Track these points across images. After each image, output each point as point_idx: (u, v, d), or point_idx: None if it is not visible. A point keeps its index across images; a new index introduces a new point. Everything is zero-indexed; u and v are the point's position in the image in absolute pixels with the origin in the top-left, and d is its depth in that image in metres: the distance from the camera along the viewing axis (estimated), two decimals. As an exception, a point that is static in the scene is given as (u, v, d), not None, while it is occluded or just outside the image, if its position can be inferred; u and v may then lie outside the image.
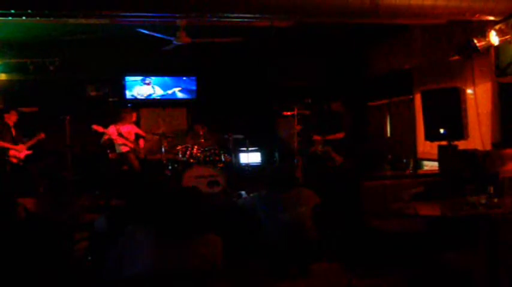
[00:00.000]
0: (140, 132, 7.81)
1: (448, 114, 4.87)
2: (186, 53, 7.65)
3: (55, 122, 7.04)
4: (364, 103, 8.80)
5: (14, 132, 6.94)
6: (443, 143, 4.99)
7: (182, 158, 7.46)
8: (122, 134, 7.39)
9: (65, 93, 8.24)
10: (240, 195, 6.57)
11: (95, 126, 7.17)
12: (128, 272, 2.31)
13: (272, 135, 8.85)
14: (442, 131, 4.92)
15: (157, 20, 5.17)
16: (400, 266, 3.79)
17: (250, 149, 8.48)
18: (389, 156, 6.71)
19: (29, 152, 6.99)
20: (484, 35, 4.81)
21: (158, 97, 8.96)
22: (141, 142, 7.74)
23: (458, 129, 4.80)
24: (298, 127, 7.07)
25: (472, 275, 3.31)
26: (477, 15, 4.68)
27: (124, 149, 7.40)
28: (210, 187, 6.89)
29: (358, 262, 4.03)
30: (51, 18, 4.41)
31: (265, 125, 8.91)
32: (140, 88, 8.86)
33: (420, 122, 5.78)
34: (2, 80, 8.18)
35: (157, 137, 7.73)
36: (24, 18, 4.21)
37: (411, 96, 7.35)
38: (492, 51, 5.28)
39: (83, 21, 4.81)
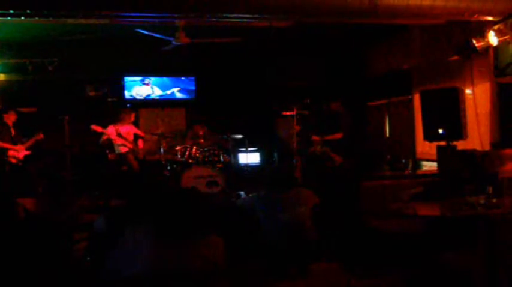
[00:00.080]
0: (139, 132, 7.80)
1: (447, 115, 4.88)
2: (185, 54, 7.65)
3: (54, 122, 7.04)
4: (363, 103, 8.80)
5: (13, 133, 6.94)
6: (442, 143, 5.00)
7: (181, 159, 7.45)
8: (121, 135, 7.38)
9: (63, 94, 8.24)
10: (239, 195, 6.57)
11: (93, 127, 7.16)
12: (128, 272, 2.31)
13: (271, 136, 8.85)
14: (441, 131, 4.93)
15: (157, 20, 5.16)
16: (399, 266, 3.80)
17: (249, 149, 8.48)
18: (389, 156, 6.71)
19: (28, 152, 6.98)
20: (482, 35, 4.82)
21: (157, 97, 8.96)
22: (140, 142, 7.73)
23: (457, 129, 4.81)
24: (297, 127, 7.07)
25: (471, 275, 3.31)
26: (476, 16, 4.69)
27: (123, 149, 7.40)
28: (209, 187, 6.89)
29: (357, 262, 4.03)
30: (50, 19, 4.41)
31: (264, 126, 8.91)
32: (139, 88, 8.86)
33: (419, 122, 5.78)
34: (1, 81, 8.18)
35: (156, 137, 7.73)
36: (23, 18, 4.21)
37: (410, 97, 7.35)
38: (491, 52, 5.29)
39: (82, 21, 4.80)
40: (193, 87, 9.04)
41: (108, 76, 8.62)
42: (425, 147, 6.56)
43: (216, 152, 7.63)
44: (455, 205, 3.48)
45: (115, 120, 7.49)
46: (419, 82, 7.10)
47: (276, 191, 3.81)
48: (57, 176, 7.14)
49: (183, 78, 9.05)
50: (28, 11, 4.07)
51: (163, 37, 6.57)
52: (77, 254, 3.45)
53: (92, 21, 4.97)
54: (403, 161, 6.17)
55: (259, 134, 8.70)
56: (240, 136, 8.08)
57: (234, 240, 2.75)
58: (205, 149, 7.59)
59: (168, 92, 9.01)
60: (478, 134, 5.18)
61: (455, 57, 5.51)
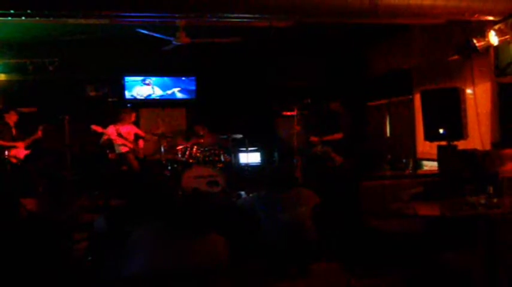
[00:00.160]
0: (139, 132, 7.81)
1: (448, 114, 4.88)
2: (186, 53, 7.65)
3: (54, 122, 7.04)
4: (364, 103, 8.79)
5: (14, 132, 6.95)
6: (443, 143, 4.99)
7: (181, 158, 7.45)
8: (121, 135, 7.39)
9: (64, 94, 8.23)
10: (240, 195, 6.57)
11: (93, 127, 7.17)
12: (128, 272, 2.31)
13: (272, 136, 8.85)
14: (441, 131, 4.93)
15: (157, 20, 5.17)
16: (399, 266, 3.79)
17: (249, 149, 8.48)
18: (389, 156, 6.70)
19: (28, 151, 6.99)
20: (483, 35, 4.81)
21: (157, 97, 8.96)
22: (141, 142, 7.74)
23: (458, 129, 4.80)
24: (297, 127, 7.07)
25: (471, 275, 3.31)
26: (476, 15, 4.68)
27: (123, 149, 7.40)
28: (209, 187, 6.89)
29: (357, 262, 4.03)
30: (51, 19, 4.41)
31: (265, 125, 8.91)
32: (140, 88, 8.86)
33: (419, 122, 5.78)
34: (2, 81, 8.18)
35: (156, 137, 7.73)
36: (23, 18, 4.21)
37: (410, 96, 7.35)
38: (491, 51, 5.28)
39: (83, 21, 4.81)
40: (193, 87, 9.05)
41: (109, 76, 8.62)
42: (425, 147, 6.55)
43: (216, 152, 7.63)
44: (456, 205, 3.48)
45: (115, 120, 7.50)
46: (419, 82, 7.10)
47: (277, 191, 3.81)
48: (58, 176, 7.14)
49: (183, 78, 9.05)
50: (29, 11, 4.08)
51: (164, 37, 6.57)
52: (77, 254, 3.46)
53: (92, 21, 4.97)
54: (404, 161, 6.17)
55: (260, 134, 8.70)
56: (240, 136, 8.08)
57: (235, 240, 2.75)
58: (206, 149, 7.60)
59: (169, 92, 9.01)
60: (478, 134, 5.18)
61: (456, 57, 5.51)
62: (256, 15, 4.61)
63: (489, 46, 4.94)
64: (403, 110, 7.65)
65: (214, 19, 4.68)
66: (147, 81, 8.88)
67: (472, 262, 3.34)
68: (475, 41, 4.83)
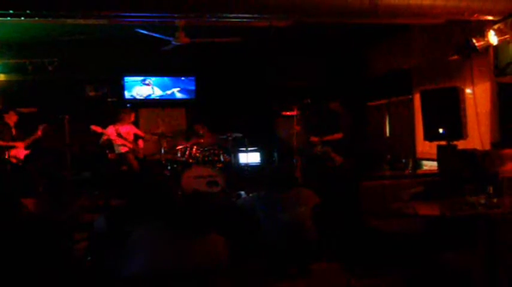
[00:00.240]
0: (139, 132, 7.81)
1: (447, 114, 4.88)
2: (185, 53, 7.65)
3: (54, 122, 7.04)
4: (364, 103, 8.80)
5: (14, 132, 6.95)
6: (443, 142, 4.99)
7: (181, 158, 7.45)
8: (121, 135, 7.38)
9: (63, 94, 8.23)
10: (240, 195, 6.56)
11: (93, 127, 7.17)
12: (128, 272, 2.31)
13: (271, 136, 8.85)
14: (441, 130, 4.93)
15: (156, 20, 5.16)
16: (399, 266, 3.79)
17: (249, 149, 8.48)
18: (389, 156, 6.71)
19: (28, 151, 6.99)
20: (482, 34, 4.81)
21: (157, 97, 8.96)
22: (140, 142, 7.73)
23: (458, 129, 4.80)
24: (297, 127, 7.07)
25: (471, 275, 3.31)
26: (476, 15, 4.68)
27: (123, 149, 7.40)
28: (209, 187, 6.88)
29: (357, 262, 4.03)
30: (50, 19, 4.41)
31: (265, 125, 8.91)
32: (140, 88, 8.86)
33: (419, 121, 5.78)
34: (1, 81, 8.18)
35: (156, 137, 7.73)
36: (22, 18, 4.20)
37: (410, 96, 7.35)
38: (491, 51, 5.29)
39: (82, 21, 4.81)
40: (193, 87, 9.04)
41: (108, 76, 8.61)
42: (425, 147, 6.56)
43: (216, 152, 7.63)
44: (456, 205, 3.48)
45: (115, 120, 7.49)
46: (419, 82, 7.10)
47: (276, 191, 3.81)
48: (58, 176, 7.14)
49: (183, 78, 9.04)
50: (28, 11, 4.07)
51: (163, 37, 6.57)
52: (77, 254, 3.45)
53: (91, 21, 4.97)
54: (403, 160, 6.17)
55: (260, 134, 8.70)
56: (240, 135, 8.07)
57: (235, 240, 2.75)
58: (206, 149, 7.59)
59: (168, 92, 9.01)
60: (478, 134, 5.18)
61: (455, 57, 5.50)
62: (256, 15, 4.61)
63: (489, 46, 4.94)
64: (403, 110, 7.65)
65: (214, 19, 4.68)
66: (146, 82, 8.88)
67: (472, 262, 3.34)
68: (474, 40, 4.83)
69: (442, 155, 5.08)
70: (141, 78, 8.86)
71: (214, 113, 8.65)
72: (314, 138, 6.74)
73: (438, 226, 3.73)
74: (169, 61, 8.11)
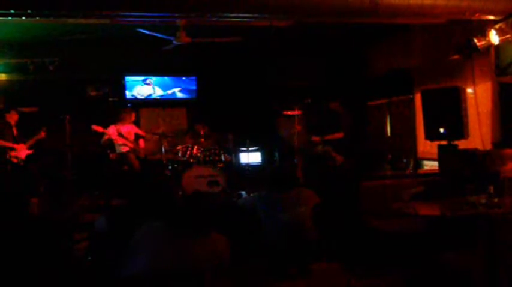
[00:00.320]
0: (140, 132, 7.81)
1: (448, 114, 4.88)
2: (186, 53, 7.65)
3: (55, 122, 7.05)
4: (364, 103, 8.79)
5: (15, 132, 6.95)
6: (444, 142, 4.99)
7: (182, 158, 7.45)
8: (122, 134, 7.39)
9: (64, 93, 8.23)
10: (240, 195, 6.56)
11: (94, 127, 7.17)
12: (129, 272, 2.32)
13: (272, 135, 8.85)
14: (442, 130, 4.93)
15: (157, 19, 5.17)
16: (399, 266, 3.79)
17: (250, 148, 8.47)
18: (389, 155, 6.71)
19: (30, 151, 7.00)
20: (484, 34, 4.81)
21: (158, 97, 8.96)
22: (141, 142, 7.74)
23: (459, 128, 4.80)
24: (298, 127, 7.07)
25: (471, 275, 3.31)
26: (477, 15, 4.68)
27: (124, 149, 7.41)
28: (210, 187, 6.88)
29: (357, 262, 4.03)
30: (51, 18, 4.41)
31: (266, 125, 8.90)
32: (141, 88, 8.86)
33: (420, 121, 5.78)
34: (2, 80, 8.18)
35: (157, 137, 7.73)
36: (23, 18, 4.21)
37: (411, 96, 7.34)
38: (492, 51, 5.28)
39: (83, 21, 4.81)
40: (194, 87, 9.05)
41: (109, 76, 8.61)
42: (426, 146, 6.55)
43: (217, 151, 7.63)
44: (456, 205, 3.47)
45: (116, 120, 7.50)
46: (420, 81, 7.09)
47: (277, 191, 3.81)
48: (58, 176, 7.15)
49: (184, 78, 9.05)
50: (29, 11, 4.07)
51: (164, 37, 6.57)
52: (78, 254, 3.46)
53: (92, 21, 4.98)
54: (404, 160, 6.17)
55: (260, 134, 8.70)
56: (241, 135, 8.07)
57: (235, 240, 2.75)
58: (206, 148, 7.59)
59: (169, 92, 9.01)
60: (479, 134, 5.17)
61: (457, 57, 5.50)
62: (257, 15, 4.61)
63: (490, 45, 4.94)
64: (404, 109, 7.64)
65: (215, 19, 4.68)
66: (147, 81, 8.88)
67: (472, 262, 3.33)
68: (475, 40, 4.82)
69: (443, 155, 5.08)
70: (142, 78, 8.86)
71: (215, 113, 8.64)
72: (315, 138, 6.74)
73: (439, 226, 3.73)
74: (170, 61, 8.11)
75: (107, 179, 7.14)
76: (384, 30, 7.46)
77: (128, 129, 7.54)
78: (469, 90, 5.38)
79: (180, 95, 9.04)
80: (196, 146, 7.55)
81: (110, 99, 8.22)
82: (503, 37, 4.75)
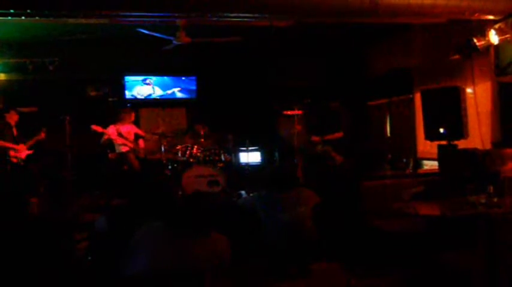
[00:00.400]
0: (140, 132, 7.81)
1: (448, 114, 4.88)
2: (186, 53, 7.65)
3: (55, 122, 7.04)
4: (364, 103, 8.79)
5: (15, 132, 6.95)
6: (443, 142, 4.99)
7: (182, 158, 7.45)
8: (122, 134, 7.39)
9: (64, 93, 8.23)
10: (240, 195, 6.56)
11: (94, 127, 7.17)
12: (129, 272, 2.32)
13: (272, 135, 8.85)
14: (442, 130, 4.93)
15: (157, 19, 5.17)
16: (399, 266, 3.79)
17: (250, 148, 8.47)
18: (389, 155, 6.71)
19: (30, 151, 7.00)
20: (483, 34, 4.81)
21: (158, 97, 8.96)
22: (141, 142, 7.74)
23: (458, 128, 4.80)
24: (298, 127, 7.07)
25: (471, 275, 3.31)
26: (477, 15, 4.68)
27: (124, 149, 7.41)
28: (210, 187, 6.88)
29: (357, 262, 4.03)
30: (51, 18, 4.41)
31: (265, 125, 8.90)
32: (141, 88, 8.86)
33: (420, 121, 5.78)
34: (1, 80, 8.18)
35: (156, 137, 7.73)
36: (23, 18, 4.21)
37: (411, 96, 7.35)
38: (492, 51, 5.28)
39: (83, 21, 4.80)
40: (194, 87, 9.05)
41: (109, 76, 8.61)
42: (426, 146, 6.55)
43: (217, 151, 7.63)
44: (456, 205, 3.48)
45: (115, 120, 7.50)
46: (420, 81, 7.10)
47: (277, 191, 3.81)
48: (58, 176, 7.15)
49: (183, 78, 9.05)
50: (28, 11, 4.07)
51: (164, 36, 6.57)
52: (78, 254, 3.46)
53: (92, 21, 4.96)
54: (404, 160, 6.17)
55: (260, 134, 8.69)
56: (240, 135, 8.06)
57: (235, 240, 2.76)
58: (206, 148, 7.59)
59: (169, 91, 9.01)
60: (479, 133, 5.18)
61: (456, 57, 5.50)
62: (257, 15, 4.61)
63: (489, 45, 4.94)
64: (404, 109, 7.64)
65: (215, 19, 4.68)
66: (147, 81, 8.88)
67: (472, 262, 3.33)
68: (475, 40, 4.83)
69: (442, 155, 5.08)
70: (142, 77, 8.86)
71: (215, 113, 8.64)
72: (315, 138, 6.74)
73: (439, 226, 3.73)
74: (170, 61, 8.11)
75: (106, 179, 7.14)
76: (384, 30, 7.46)
77: (128, 129, 7.54)
78: (469, 90, 5.38)
79: (179, 95, 9.04)
80: (196, 146, 7.55)
81: (110, 99, 8.20)
82: (503, 37, 4.75)
